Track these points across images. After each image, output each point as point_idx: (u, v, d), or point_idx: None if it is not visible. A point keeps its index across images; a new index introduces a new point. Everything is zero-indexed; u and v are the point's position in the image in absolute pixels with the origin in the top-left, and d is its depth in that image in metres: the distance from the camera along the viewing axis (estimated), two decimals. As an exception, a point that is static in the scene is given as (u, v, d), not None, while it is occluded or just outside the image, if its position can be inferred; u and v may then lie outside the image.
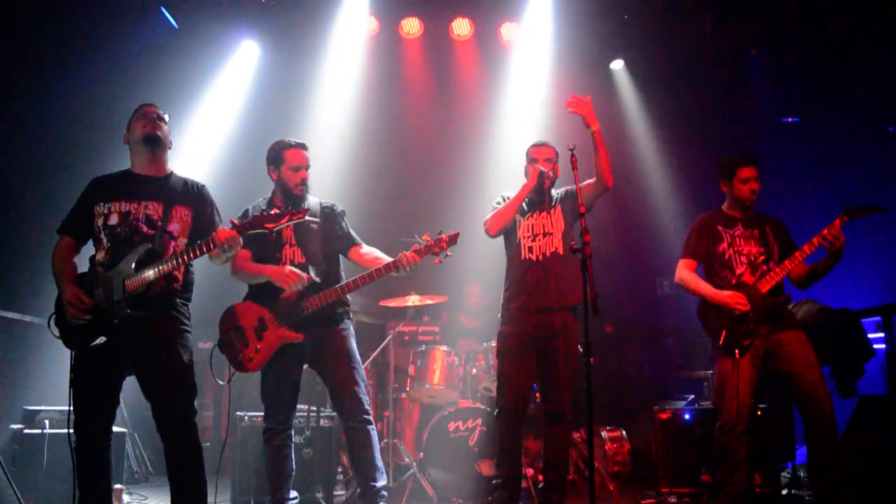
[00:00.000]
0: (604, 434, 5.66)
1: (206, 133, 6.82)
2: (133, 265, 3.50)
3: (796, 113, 8.04)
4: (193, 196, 3.80)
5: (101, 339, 3.48)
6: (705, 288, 4.40)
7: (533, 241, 4.35)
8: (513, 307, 4.34)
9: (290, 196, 4.17)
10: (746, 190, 4.41)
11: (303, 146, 4.23)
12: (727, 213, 4.54)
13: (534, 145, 4.55)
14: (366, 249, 4.23)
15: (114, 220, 3.62)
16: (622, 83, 7.36)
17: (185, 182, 3.82)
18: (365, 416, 3.98)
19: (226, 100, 6.96)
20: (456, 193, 6.70)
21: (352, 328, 4.19)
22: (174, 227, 3.68)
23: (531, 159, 4.49)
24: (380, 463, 4.00)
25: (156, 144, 3.72)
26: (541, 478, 5.38)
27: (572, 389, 4.26)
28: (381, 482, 3.98)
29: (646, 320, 6.97)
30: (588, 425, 3.47)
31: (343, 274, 4.22)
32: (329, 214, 4.26)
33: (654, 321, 7.10)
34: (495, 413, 4.32)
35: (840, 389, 5.25)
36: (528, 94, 7.14)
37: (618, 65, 7.36)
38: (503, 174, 6.21)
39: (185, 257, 3.52)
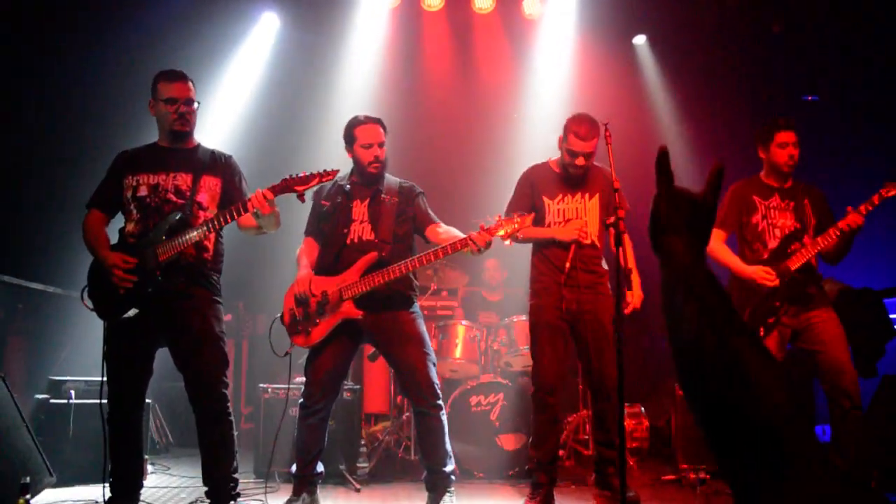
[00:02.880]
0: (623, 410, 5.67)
1: (226, 105, 6.80)
2: (164, 234, 3.52)
3: (816, 91, 7.99)
4: (221, 166, 3.80)
5: (133, 311, 3.51)
6: (733, 261, 4.28)
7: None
8: (546, 281, 4.23)
9: (364, 175, 4.07)
10: (784, 155, 4.23)
11: (376, 121, 4.07)
12: (765, 181, 4.37)
13: (575, 124, 4.13)
14: (443, 228, 4.04)
15: (143, 191, 3.64)
16: (644, 59, 7.30)
17: (213, 153, 3.83)
18: (437, 402, 3.90)
19: (246, 72, 6.93)
20: (478, 168, 6.69)
21: (420, 311, 4.10)
22: (203, 196, 3.69)
23: (570, 150, 4.14)
24: (449, 448, 3.95)
25: (184, 138, 3.74)
26: (560, 452, 5.47)
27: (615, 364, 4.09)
28: (450, 467, 3.94)
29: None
30: (619, 402, 3.47)
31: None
32: (408, 194, 4.12)
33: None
34: (531, 394, 4.24)
35: (861, 369, 5.25)
36: (550, 69, 7.09)
37: (640, 40, 7.29)
38: (525, 149, 6.19)
39: (217, 224, 3.53)
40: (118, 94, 5.94)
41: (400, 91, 6.98)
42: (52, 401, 4.73)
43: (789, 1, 6.98)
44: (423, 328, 4.03)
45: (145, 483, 4.64)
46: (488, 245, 3.69)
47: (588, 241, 4.18)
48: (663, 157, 1.32)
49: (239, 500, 3.69)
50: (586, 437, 5.63)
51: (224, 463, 3.62)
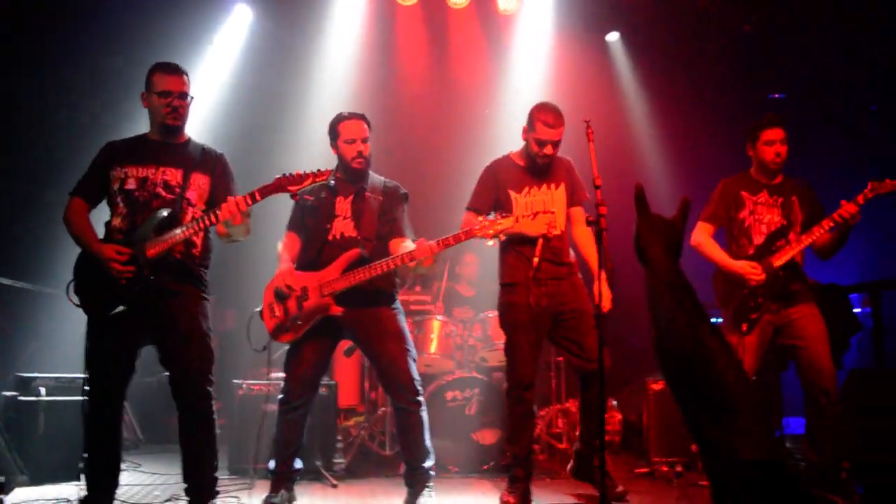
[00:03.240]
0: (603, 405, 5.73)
1: (199, 98, 6.69)
2: (153, 230, 3.46)
3: (783, 89, 8.12)
4: (212, 164, 3.74)
5: (120, 308, 3.45)
6: (720, 255, 4.31)
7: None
8: (519, 276, 4.15)
9: (348, 171, 4.06)
10: (771, 153, 4.26)
11: (360, 117, 4.06)
12: (754, 177, 4.40)
13: (542, 112, 4.08)
14: (407, 243, 3.98)
15: (131, 184, 3.56)
16: (618, 56, 7.35)
17: (204, 149, 3.77)
18: (418, 398, 3.91)
19: (218, 65, 6.83)
20: (452, 164, 6.67)
21: (401, 307, 4.10)
22: (192, 193, 3.64)
23: (537, 140, 4.07)
24: (429, 444, 3.95)
25: (176, 133, 3.68)
26: (535, 447, 5.51)
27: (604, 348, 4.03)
28: (429, 463, 3.95)
29: (642, 291, 7.02)
30: (600, 397, 3.49)
31: None
32: (392, 194, 4.11)
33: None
34: (505, 389, 4.18)
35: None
36: (525, 65, 7.11)
37: (613, 37, 7.33)
38: (500, 143, 6.19)
39: (204, 222, 3.49)
40: (93, 86, 5.85)
41: (374, 85, 6.94)
42: (20, 398, 4.62)
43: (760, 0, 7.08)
44: (404, 324, 4.03)
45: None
46: (437, 260, 3.82)
47: (557, 233, 4.12)
48: (640, 194, 1.83)
49: (217, 498, 3.66)
50: (559, 430, 5.67)
51: (207, 461, 3.60)
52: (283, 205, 4.11)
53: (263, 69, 6.89)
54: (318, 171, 3.56)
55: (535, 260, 4.06)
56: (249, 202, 3.51)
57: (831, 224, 4.10)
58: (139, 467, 5.25)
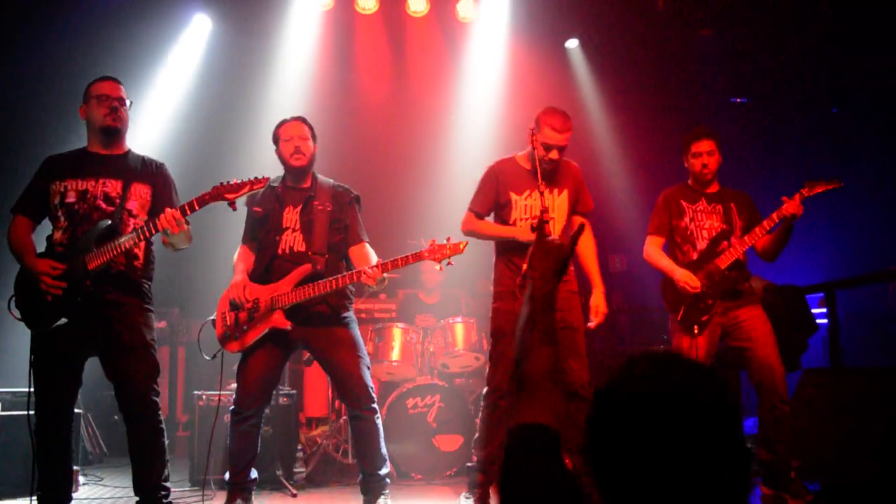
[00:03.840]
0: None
1: (158, 108, 6.68)
2: (93, 242, 3.46)
3: (745, 94, 8.23)
4: (152, 174, 3.76)
5: (63, 321, 3.45)
6: (665, 264, 4.42)
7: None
8: (510, 284, 4.07)
9: (291, 170, 4.07)
10: (698, 164, 4.42)
11: (298, 118, 4.10)
12: (692, 186, 4.54)
13: (549, 116, 3.98)
14: (365, 251, 4.04)
15: (71, 197, 3.58)
16: (577, 63, 7.41)
17: (144, 160, 3.78)
18: (372, 406, 3.91)
19: (177, 75, 6.81)
20: (414, 171, 6.71)
21: (353, 316, 4.08)
22: (133, 204, 3.65)
23: (545, 144, 3.94)
24: (384, 451, 3.96)
25: (115, 136, 3.68)
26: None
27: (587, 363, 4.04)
28: (385, 470, 3.96)
29: (619, 299, 7.06)
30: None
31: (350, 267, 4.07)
32: (342, 199, 4.09)
33: (607, 298, 7.23)
34: (484, 392, 4.13)
35: (785, 363, 5.43)
36: (484, 72, 7.15)
37: (573, 44, 7.40)
38: (461, 152, 6.24)
39: (146, 232, 3.49)
40: (45, 97, 5.80)
41: (333, 94, 6.95)
42: (-24, 413, 4.59)
43: (717, 4, 7.16)
44: (357, 332, 4.03)
45: (77, 495, 4.59)
46: (380, 282, 3.81)
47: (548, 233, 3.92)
48: (541, 223, 2.11)
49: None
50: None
51: (154, 471, 3.59)
52: (242, 215, 4.13)
53: (223, 78, 6.87)
54: (255, 178, 3.58)
55: (525, 266, 3.97)
56: (188, 212, 3.53)
57: (773, 223, 4.21)
58: (101, 481, 5.21)
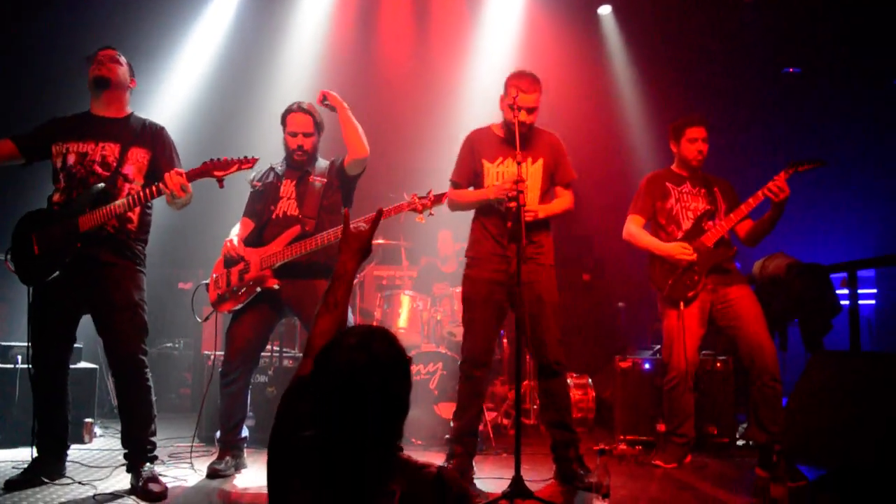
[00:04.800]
0: (570, 381, 5.73)
1: (186, 79, 6.84)
2: (87, 205, 3.59)
3: (796, 63, 7.89)
4: (151, 138, 3.86)
5: (55, 274, 3.60)
6: (651, 241, 4.48)
7: None
8: (482, 251, 4.07)
9: (291, 162, 4.26)
10: (694, 150, 4.48)
11: (307, 111, 4.19)
12: (676, 171, 4.61)
13: (516, 78, 3.99)
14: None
15: (71, 160, 3.72)
16: (609, 30, 7.23)
17: (144, 124, 3.89)
18: None
19: (202, 48, 6.94)
20: (436, 139, 6.68)
21: None
22: (129, 168, 3.76)
23: (512, 106, 3.88)
24: None
25: (105, 86, 3.78)
26: (504, 421, 5.54)
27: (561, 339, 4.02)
28: None
29: (626, 269, 6.95)
30: (517, 379, 3.51)
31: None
32: (333, 170, 4.25)
33: (635, 269, 7.07)
34: (459, 363, 4.13)
35: (807, 344, 5.27)
36: (514, 38, 7.05)
37: (605, 10, 7.21)
38: (479, 120, 6.15)
39: (138, 198, 3.60)
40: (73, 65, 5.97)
41: (358, 64, 6.97)
42: (-1, 365, 4.83)
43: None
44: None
45: (90, 446, 4.81)
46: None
47: (523, 203, 3.72)
48: (346, 217, 2.42)
49: (156, 462, 3.80)
50: (527, 407, 5.68)
51: (141, 426, 3.74)
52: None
53: (249, 51, 6.97)
54: (245, 157, 3.67)
55: (509, 224, 3.83)
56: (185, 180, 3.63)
57: (758, 200, 4.27)
58: (119, 434, 5.41)
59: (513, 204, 3.66)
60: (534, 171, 4.04)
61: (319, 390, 1.77)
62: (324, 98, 4.11)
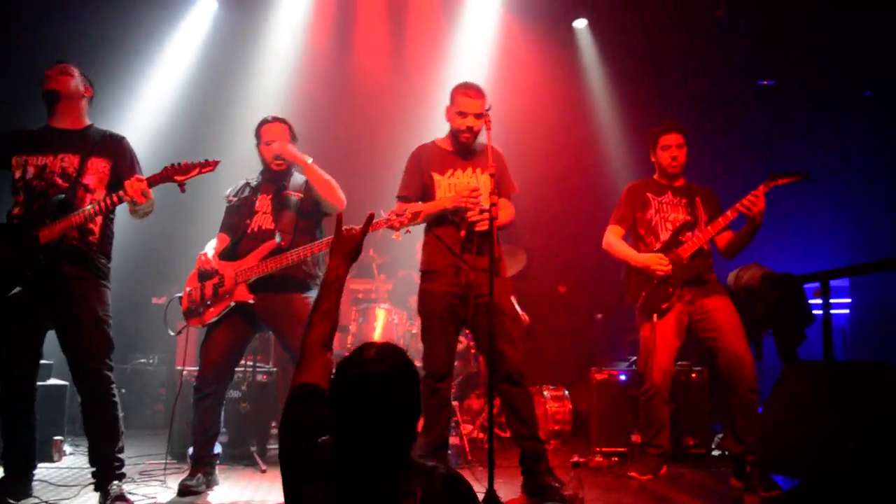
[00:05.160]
0: (546, 393, 5.72)
1: (161, 91, 6.80)
2: (47, 216, 3.55)
3: (770, 76, 7.96)
4: (111, 147, 3.82)
5: (17, 290, 3.54)
6: (628, 252, 4.48)
7: None
8: (438, 264, 4.05)
9: (269, 172, 4.23)
10: (667, 157, 4.50)
11: (282, 121, 4.22)
12: (658, 181, 4.62)
13: (461, 87, 4.07)
14: None
15: (31, 172, 3.67)
16: (585, 43, 7.27)
17: (104, 134, 3.86)
18: None
19: (181, 57, 6.89)
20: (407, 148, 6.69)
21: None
22: (90, 178, 3.72)
23: (459, 112, 4.02)
24: None
25: (55, 98, 3.77)
26: (480, 435, 5.51)
27: (520, 349, 4.00)
28: None
29: (604, 280, 6.94)
30: (489, 392, 3.48)
31: None
32: (310, 189, 4.19)
33: (613, 281, 7.07)
34: (421, 378, 4.10)
35: (781, 354, 5.29)
36: (491, 51, 7.06)
37: (581, 23, 7.25)
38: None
39: (99, 207, 3.57)
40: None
41: (336, 74, 6.97)
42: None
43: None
44: None
45: (59, 464, 4.74)
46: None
47: (495, 216, 3.73)
48: (339, 219, 2.46)
49: (125, 480, 3.74)
50: (502, 421, 5.64)
51: (108, 443, 3.67)
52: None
53: (229, 59, 6.94)
54: (206, 161, 3.66)
55: (463, 233, 3.96)
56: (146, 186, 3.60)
57: (734, 214, 4.24)
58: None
59: (470, 215, 3.85)
60: (484, 181, 4.01)
61: (338, 400, 1.88)
62: (276, 157, 4.13)
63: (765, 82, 8.08)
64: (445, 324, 4.03)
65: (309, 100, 6.56)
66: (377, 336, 5.37)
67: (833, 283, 5.83)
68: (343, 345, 5.71)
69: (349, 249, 2.37)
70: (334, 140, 6.55)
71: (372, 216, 2.57)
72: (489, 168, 3.84)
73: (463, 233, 3.97)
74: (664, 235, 4.43)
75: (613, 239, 4.56)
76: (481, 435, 5.56)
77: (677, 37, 7.13)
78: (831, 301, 6.15)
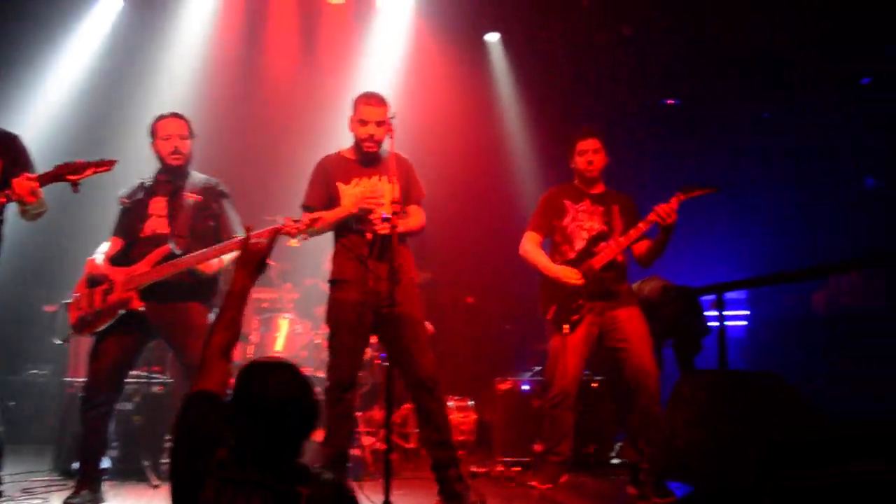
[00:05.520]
0: (451, 403, 5.69)
1: (63, 85, 6.55)
2: None
3: (674, 95, 8.20)
4: (3, 146, 3.65)
5: None
6: (542, 261, 4.45)
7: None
8: (347, 273, 4.01)
9: (167, 168, 4.08)
10: (583, 162, 4.47)
11: (175, 115, 4.10)
12: (577, 186, 4.58)
13: (362, 96, 4.07)
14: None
15: None
16: (497, 56, 7.33)
17: None
18: None
19: (86, 51, 6.66)
20: (317, 160, 6.60)
21: (212, 304, 4.02)
22: None
23: (361, 120, 4.00)
24: None
25: None
26: (383, 446, 5.44)
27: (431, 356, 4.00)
28: None
29: (514, 291, 6.99)
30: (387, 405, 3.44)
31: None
32: (211, 191, 4.11)
33: (523, 291, 7.11)
34: (325, 388, 3.99)
35: (681, 364, 5.42)
36: (401, 61, 7.05)
37: (493, 37, 7.31)
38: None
39: None
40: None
41: (243, 78, 6.84)
42: None
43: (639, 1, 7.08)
44: (210, 321, 3.94)
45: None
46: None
47: (395, 225, 3.72)
48: (248, 231, 2.68)
49: (2, 498, 3.55)
50: (408, 431, 5.61)
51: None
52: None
53: (134, 59, 6.72)
54: (101, 160, 3.53)
55: (370, 236, 3.92)
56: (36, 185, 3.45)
57: (648, 224, 4.25)
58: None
59: (372, 217, 3.86)
60: (388, 189, 3.97)
61: (242, 415, 1.95)
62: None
63: (669, 101, 8.33)
64: (354, 333, 3.98)
65: (214, 99, 6.40)
66: (279, 346, 5.26)
67: (730, 295, 6.06)
68: (243, 355, 5.56)
69: (256, 262, 2.41)
70: (240, 139, 6.43)
71: (278, 230, 2.71)
72: (392, 175, 3.83)
73: (370, 235, 3.92)
74: (579, 244, 4.42)
75: (530, 246, 4.52)
76: (384, 446, 5.48)
77: (587, 53, 7.25)
78: (729, 313, 6.40)
